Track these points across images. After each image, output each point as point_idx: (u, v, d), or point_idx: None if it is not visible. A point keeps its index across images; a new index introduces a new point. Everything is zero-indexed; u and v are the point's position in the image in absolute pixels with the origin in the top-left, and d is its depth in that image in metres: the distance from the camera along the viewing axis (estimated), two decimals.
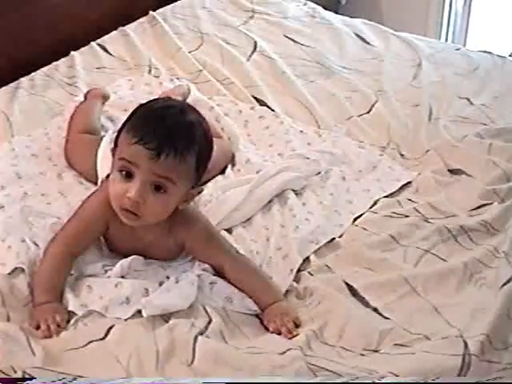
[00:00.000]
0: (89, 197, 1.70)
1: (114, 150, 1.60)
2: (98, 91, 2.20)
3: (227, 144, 2.08)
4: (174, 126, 1.55)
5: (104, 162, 1.85)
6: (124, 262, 1.60)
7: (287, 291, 1.65)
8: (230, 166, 2.03)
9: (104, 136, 1.97)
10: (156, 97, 2.21)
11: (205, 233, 1.66)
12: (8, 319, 1.51)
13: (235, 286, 1.61)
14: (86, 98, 2.18)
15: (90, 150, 1.92)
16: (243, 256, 1.68)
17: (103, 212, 1.62)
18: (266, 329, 1.57)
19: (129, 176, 1.54)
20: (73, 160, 1.98)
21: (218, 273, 1.64)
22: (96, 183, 1.86)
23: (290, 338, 1.52)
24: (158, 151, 1.51)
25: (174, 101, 1.73)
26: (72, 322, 1.52)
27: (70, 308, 1.54)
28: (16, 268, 1.60)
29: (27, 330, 1.48)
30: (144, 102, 1.68)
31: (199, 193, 1.65)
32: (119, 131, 1.60)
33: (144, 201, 1.53)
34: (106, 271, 1.61)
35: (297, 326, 1.56)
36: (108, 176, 1.72)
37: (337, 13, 3.00)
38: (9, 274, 1.59)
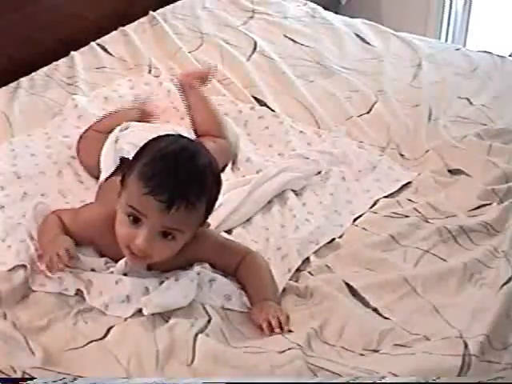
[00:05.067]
0: (91, 203, 1.72)
1: (121, 182, 1.56)
2: (151, 109, 2.15)
3: (227, 144, 2.07)
4: (186, 176, 1.50)
5: (107, 160, 1.87)
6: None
7: (286, 290, 1.65)
8: (230, 165, 2.03)
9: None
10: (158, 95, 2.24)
11: (217, 245, 1.66)
12: (5, 318, 1.51)
13: (245, 281, 1.62)
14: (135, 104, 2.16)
15: (96, 146, 1.92)
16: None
17: (90, 230, 1.63)
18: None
19: (136, 221, 1.52)
20: (81, 155, 1.98)
21: (234, 272, 1.65)
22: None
23: (271, 331, 1.51)
24: (170, 204, 1.48)
25: (184, 140, 1.62)
26: (72, 314, 1.52)
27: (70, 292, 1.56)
28: (15, 267, 1.59)
29: (25, 330, 1.48)
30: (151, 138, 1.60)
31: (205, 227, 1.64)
32: (128, 168, 1.56)
33: (151, 247, 1.52)
34: (108, 268, 1.61)
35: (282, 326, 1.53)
36: (107, 179, 1.74)
37: (337, 13, 3.00)
38: (8, 272, 1.58)
